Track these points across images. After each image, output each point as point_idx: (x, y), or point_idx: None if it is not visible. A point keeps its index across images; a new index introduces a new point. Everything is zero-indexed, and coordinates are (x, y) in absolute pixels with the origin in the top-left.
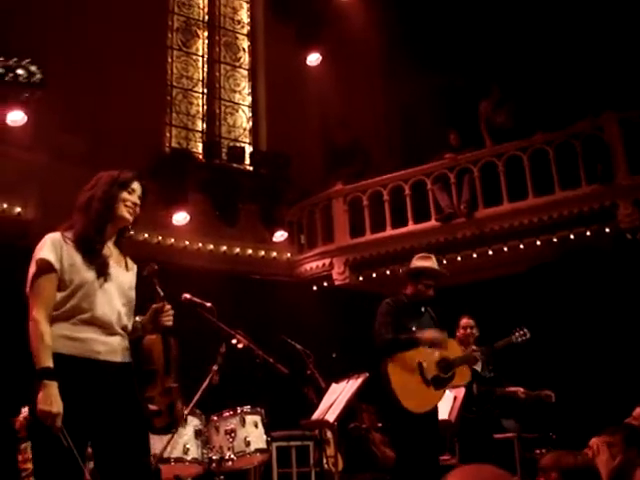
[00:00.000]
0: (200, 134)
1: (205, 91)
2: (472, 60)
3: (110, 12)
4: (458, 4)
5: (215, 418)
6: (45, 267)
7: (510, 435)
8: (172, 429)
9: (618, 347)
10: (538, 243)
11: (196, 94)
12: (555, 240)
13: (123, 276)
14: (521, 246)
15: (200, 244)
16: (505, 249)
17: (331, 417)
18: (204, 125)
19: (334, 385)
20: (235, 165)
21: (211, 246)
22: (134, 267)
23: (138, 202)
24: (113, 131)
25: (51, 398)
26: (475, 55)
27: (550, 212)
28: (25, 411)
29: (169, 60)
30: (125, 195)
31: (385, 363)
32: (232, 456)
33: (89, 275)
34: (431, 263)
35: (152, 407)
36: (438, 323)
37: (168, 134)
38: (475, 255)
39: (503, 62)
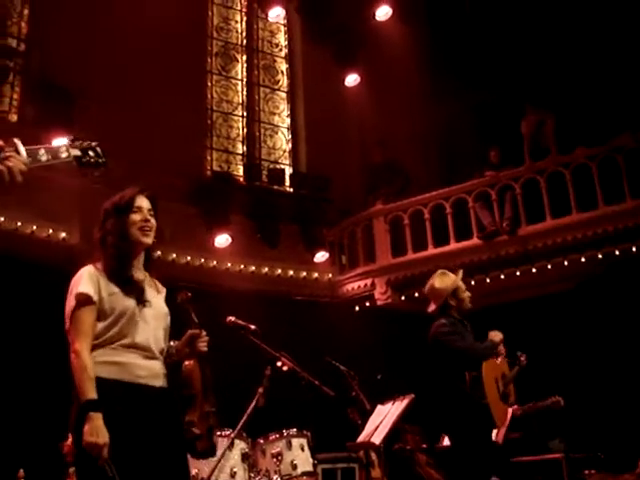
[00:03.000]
0: (240, 157)
1: (245, 114)
2: (510, 77)
3: (150, 39)
4: (495, 22)
5: (261, 441)
6: (84, 300)
7: (558, 455)
8: (213, 453)
9: None
10: (583, 260)
11: (236, 117)
12: (600, 256)
13: (158, 301)
14: (565, 263)
15: (242, 266)
16: (549, 266)
17: (377, 439)
18: (244, 148)
19: (379, 407)
20: (275, 187)
21: (253, 268)
22: (164, 290)
23: (149, 217)
24: (155, 156)
25: (97, 430)
26: (513, 72)
27: (594, 228)
28: None
29: (209, 84)
30: (133, 217)
31: (479, 381)
32: (279, 479)
33: (130, 303)
34: (456, 276)
35: (195, 431)
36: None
37: (209, 157)
38: (518, 273)
39: (544, 79)
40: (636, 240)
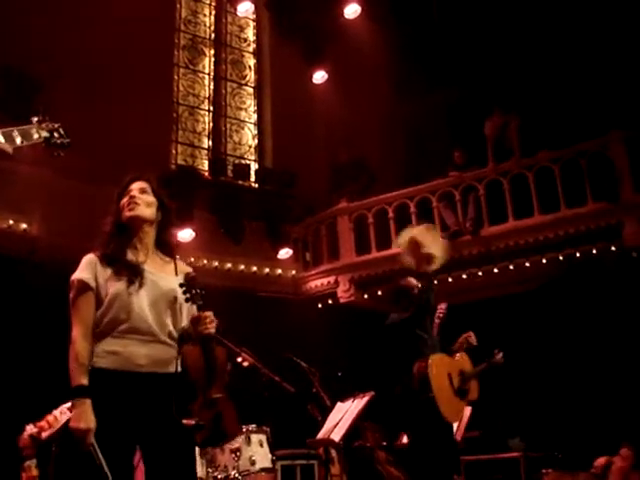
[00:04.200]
0: (206, 151)
1: (211, 109)
2: (477, 78)
3: (117, 30)
4: (465, 23)
5: None
6: (81, 286)
7: (516, 454)
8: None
9: (625, 365)
10: (544, 261)
11: (202, 111)
12: (561, 258)
13: (166, 280)
14: (527, 264)
15: (205, 261)
16: (511, 267)
17: (337, 436)
18: (210, 142)
19: (340, 404)
20: (241, 182)
21: (216, 263)
22: (187, 269)
23: (136, 195)
24: (119, 148)
25: (82, 415)
26: (481, 74)
27: (556, 230)
28: (29, 428)
29: (175, 78)
30: (122, 200)
31: (424, 369)
32: (237, 475)
33: (119, 284)
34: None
35: (187, 421)
36: None
37: (174, 151)
38: (481, 273)
39: (509, 80)
40: (597, 242)
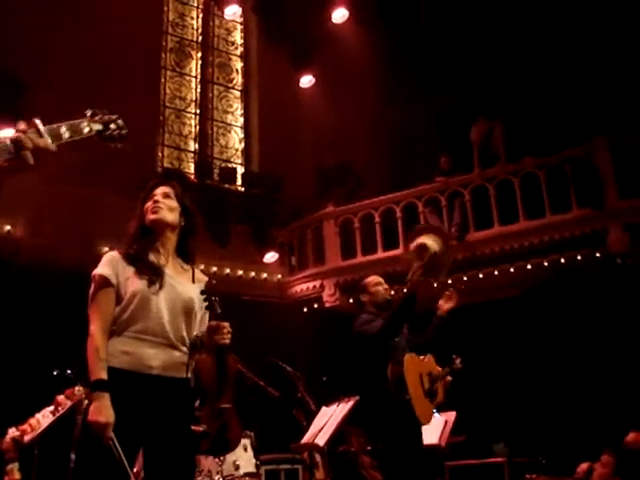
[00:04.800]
0: (192, 154)
1: (198, 112)
2: (464, 84)
3: (103, 32)
4: (452, 29)
5: None
6: (102, 282)
7: (500, 459)
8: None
9: (608, 371)
10: (529, 267)
11: (189, 114)
12: (546, 264)
13: (184, 287)
14: (512, 269)
15: None
16: (496, 272)
17: (321, 441)
18: (196, 145)
19: (324, 408)
20: (227, 186)
21: (202, 266)
22: (204, 279)
23: (158, 198)
24: (104, 150)
25: (101, 409)
26: (467, 80)
27: (541, 236)
28: (12, 432)
29: (162, 80)
30: (147, 204)
31: (399, 370)
32: None
33: (140, 284)
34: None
35: (196, 428)
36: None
37: (160, 154)
38: (465, 278)
39: (495, 87)
40: (581, 248)
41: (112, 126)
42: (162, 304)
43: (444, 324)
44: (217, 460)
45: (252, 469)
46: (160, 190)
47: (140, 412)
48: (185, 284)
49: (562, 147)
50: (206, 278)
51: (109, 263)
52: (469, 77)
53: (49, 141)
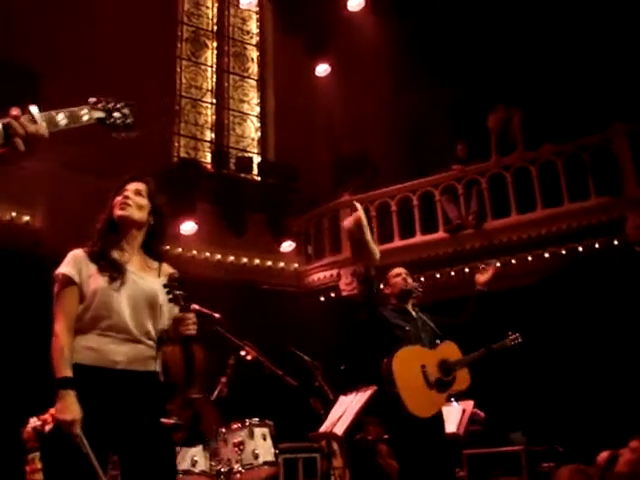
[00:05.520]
0: (208, 144)
1: (214, 101)
2: (481, 72)
3: (119, 22)
4: (468, 17)
5: (224, 430)
6: (65, 281)
7: (517, 448)
8: (196, 443)
9: (626, 359)
10: (546, 255)
11: (205, 104)
12: (563, 252)
13: (146, 281)
14: (529, 258)
15: (208, 254)
16: (513, 261)
17: (339, 430)
18: (212, 135)
19: (342, 397)
20: (243, 175)
21: (218, 256)
22: (169, 272)
23: (129, 194)
24: (121, 140)
25: (67, 406)
26: (484, 67)
27: (559, 224)
28: (33, 421)
29: (178, 70)
30: (116, 199)
31: (389, 365)
32: (240, 469)
33: (101, 281)
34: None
35: (167, 421)
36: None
37: (177, 144)
38: (483, 266)
39: (512, 74)
40: (599, 237)
41: (116, 114)
42: (124, 300)
43: (483, 301)
44: (236, 449)
45: (271, 458)
46: (132, 186)
47: (109, 407)
48: (148, 278)
49: (580, 134)
50: (172, 270)
51: (72, 261)
52: (485, 65)
53: (42, 127)
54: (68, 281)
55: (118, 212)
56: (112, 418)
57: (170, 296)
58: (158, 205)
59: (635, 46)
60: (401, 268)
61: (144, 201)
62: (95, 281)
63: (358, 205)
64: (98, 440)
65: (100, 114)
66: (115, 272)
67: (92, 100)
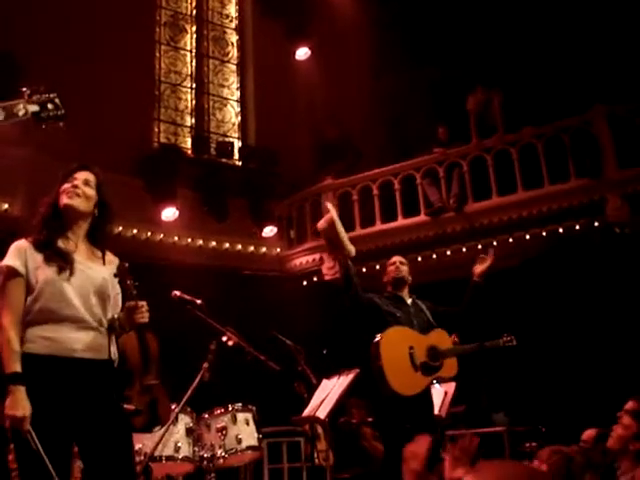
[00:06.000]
0: (189, 129)
1: (193, 86)
2: (461, 55)
3: (98, 6)
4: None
5: (206, 416)
6: (10, 273)
7: (500, 429)
8: (155, 427)
9: (607, 340)
10: (527, 237)
11: (184, 89)
12: (544, 234)
13: (94, 270)
14: (510, 240)
15: (189, 239)
16: (494, 243)
17: (322, 413)
18: (192, 120)
19: (325, 381)
20: (224, 160)
21: (200, 241)
22: (115, 260)
23: (78, 183)
24: (101, 126)
25: (17, 402)
26: (464, 50)
27: (539, 206)
28: None
29: (157, 55)
30: (64, 186)
31: (377, 343)
32: (223, 454)
33: (50, 272)
34: None
35: (128, 407)
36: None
37: (156, 129)
38: (465, 249)
39: (492, 57)
40: (580, 218)
41: (49, 106)
42: (73, 290)
43: (480, 292)
44: (219, 435)
45: (254, 443)
46: (82, 175)
47: (67, 397)
48: (95, 268)
49: (560, 117)
50: (117, 259)
51: (17, 253)
52: (465, 47)
53: None
54: (13, 273)
55: (65, 200)
56: (70, 408)
57: (122, 285)
58: (104, 197)
59: (615, 28)
60: (396, 257)
61: (92, 192)
62: (43, 272)
63: (330, 205)
64: (58, 431)
65: (35, 107)
66: (63, 262)
67: (27, 91)
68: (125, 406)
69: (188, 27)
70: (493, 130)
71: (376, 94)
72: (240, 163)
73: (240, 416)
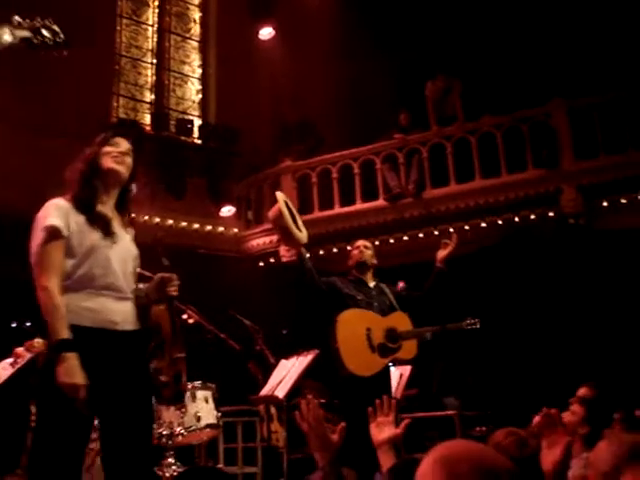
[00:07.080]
0: (148, 105)
1: (154, 61)
2: (425, 42)
3: None
4: None
5: None
6: (54, 233)
7: (451, 412)
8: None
9: (559, 327)
10: (483, 225)
11: (145, 64)
12: (500, 222)
13: (126, 241)
14: (466, 227)
15: (146, 217)
16: (451, 230)
17: (281, 393)
18: (152, 96)
19: (283, 361)
20: (183, 138)
21: (157, 219)
22: (131, 231)
23: (126, 152)
24: (62, 100)
25: (73, 370)
26: (428, 37)
27: (496, 195)
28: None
29: (118, 28)
30: (107, 148)
31: (334, 324)
32: (182, 431)
33: (96, 237)
34: None
35: (162, 378)
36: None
37: (115, 104)
38: (421, 235)
39: (455, 45)
40: (535, 208)
41: (45, 32)
42: (115, 257)
43: (442, 277)
44: (179, 412)
45: (213, 421)
46: (126, 145)
47: (107, 370)
48: (126, 237)
49: (520, 107)
50: (133, 230)
51: (58, 212)
52: (428, 34)
53: None
54: (57, 234)
55: (112, 164)
56: (107, 381)
57: (161, 256)
58: (135, 167)
59: (576, 23)
60: (360, 241)
61: (131, 162)
62: (88, 236)
63: (279, 194)
64: (92, 402)
65: (25, 33)
66: (106, 227)
67: (16, 19)
68: (160, 377)
69: (150, 1)
70: (453, 118)
71: (339, 77)
72: (200, 141)
73: (200, 394)
